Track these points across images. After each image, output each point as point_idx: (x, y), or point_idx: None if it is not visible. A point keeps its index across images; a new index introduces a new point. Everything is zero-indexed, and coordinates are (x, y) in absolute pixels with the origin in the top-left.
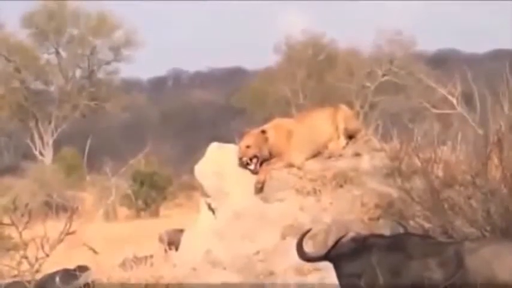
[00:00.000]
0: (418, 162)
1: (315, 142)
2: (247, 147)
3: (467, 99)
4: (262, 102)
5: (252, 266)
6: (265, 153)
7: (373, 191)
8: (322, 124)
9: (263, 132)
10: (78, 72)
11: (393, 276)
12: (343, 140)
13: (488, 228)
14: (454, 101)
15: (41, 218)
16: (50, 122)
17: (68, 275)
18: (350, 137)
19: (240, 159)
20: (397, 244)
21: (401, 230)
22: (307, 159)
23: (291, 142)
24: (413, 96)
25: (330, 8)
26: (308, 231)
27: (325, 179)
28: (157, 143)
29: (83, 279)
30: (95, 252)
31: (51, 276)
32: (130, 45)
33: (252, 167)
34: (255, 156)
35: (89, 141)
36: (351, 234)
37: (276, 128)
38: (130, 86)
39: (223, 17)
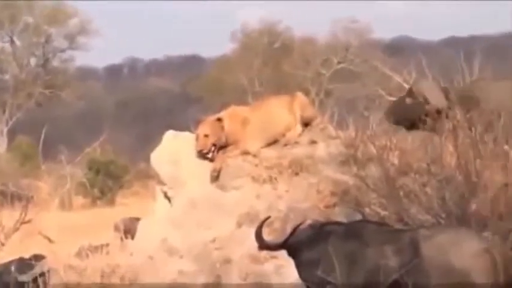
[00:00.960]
0: (373, 150)
1: (271, 130)
2: (206, 136)
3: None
4: (219, 90)
5: (208, 254)
6: (223, 141)
7: (328, 178)
8: (279, 112)
9: (219, 120)
10: (33, 61)
11: (350, 264)
12: (299, 128)
13: (443, 215)
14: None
15: None
16: (4, 111)
17: (24, 264)
18: (306, 124)
19: (200, 150)
20: (353, 231)
21: (358, 218)
22: (263, 147)
23: (247, 130)
24: (369, 84)
25: None
26: (267, 219)
27: (281, 167)
28: (113, 132)
29: (38, 268)
30: (50, 241)
31: (6, 266)
32: (85, 34)
33: (210, 155)
34: (213, 145)
35: (44, 130)
36: (308, 222)
37: (231, 116)
38: (85, 74)
39: (179, 5)
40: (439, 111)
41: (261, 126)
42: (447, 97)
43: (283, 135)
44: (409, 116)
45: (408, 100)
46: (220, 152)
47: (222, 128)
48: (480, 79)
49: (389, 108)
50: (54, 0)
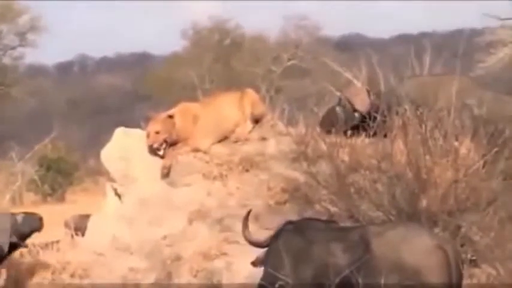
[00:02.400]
0: (323, 147)
1: (221, 126)
2: (157, 133)
3: (373, 83)
4: (169, 88)
5: (159, 251)
6: (174, 137)
7: (279, 175)
8: (229, 108)
9: (170, 116)
10: None
11: (297, 262)
12: (249, 125)
13: (393, 212)
14: (359, 85)
15: None
16: None
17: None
18: (256, 121)
19: (150, 146)
20: (301, 229)
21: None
22: (213, 143)
23: (197, 126)
24: (319, 81)
25: None
26: (250, 211)
27: (231, 164)
28: (64, 129)
29: None
30: None
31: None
32: (35, 31)
33: (161, 152)
34: (165, 141)
35: None
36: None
37: (182, 112)
38: (36, 71)
39: (130, 3)
40: (364, 116)
41: (211, 122)
42: (370, 100)
43: (233, 131)
44: (341, 124)
45: (338, 109)
46: (171, 149)
47: (173, 124)
48: (414, 76)
49: (323, 118)
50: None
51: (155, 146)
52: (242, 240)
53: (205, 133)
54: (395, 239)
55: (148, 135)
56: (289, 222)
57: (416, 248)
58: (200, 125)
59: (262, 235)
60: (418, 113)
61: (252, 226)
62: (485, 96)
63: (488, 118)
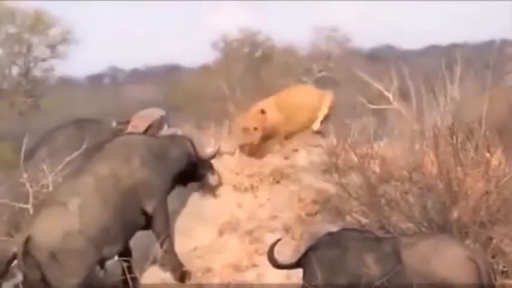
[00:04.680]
0: (354, 158)
1: (298, 118)
2: (255, 129)
3: (404, 95)
4: (199, 99)
5: (189, 263)
6: (267, 132)
7: (310, 186)
8: (310, 103)
9: (263, 111)
10: (14, 70)
11: (331, 273)
12: (317, 124)
13: (425, 223)
14: (390, 97)
15: None
16: None
17: None
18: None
19: (249, 144)
20: (336, 240)
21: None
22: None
23: (286, 118)
24: (350, 92)
25: (267, 6)
26: (278, 240)
27: (262, 175)
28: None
29: None
30: None
31: None
32: (66, 43)
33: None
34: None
35: (25, 139)
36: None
37: (271, 106)
38: (66, 83)
39: (158, 15)
40: None
41: (295, 115)
42: None
43: (305, 127)
44: None
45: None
46: (263, 144)
47: (266, 119)
48: None
49: None
50: (35, 9)
51: (255, 143)
52: None
53: (294, 125)
54: (426, 250)
55: (245, 132)
56: (328, 234)
57: (447, 260)
58: (288, 117)
59: (290, 256)
60: (450, 124)
61: (283, 237)
62: None
63: None
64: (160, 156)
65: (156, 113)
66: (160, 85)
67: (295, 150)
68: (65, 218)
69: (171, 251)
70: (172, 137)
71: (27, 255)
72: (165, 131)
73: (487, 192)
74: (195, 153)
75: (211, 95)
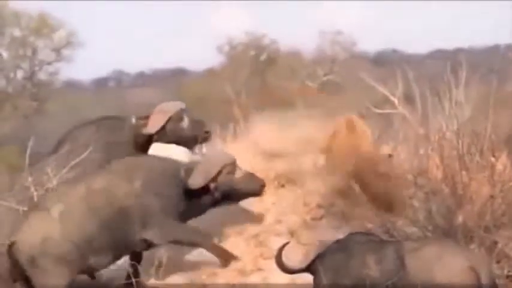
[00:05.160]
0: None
1: None
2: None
3: (409, 99)
4: (204, 102)
5: (195, 266)
6: None
7: (315, 191)
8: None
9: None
10: (19, 73)
11: (335, 276)
12: None
13: (430, 227)
14: (395, 101)
15: None
16: None
17: None
18: None
19: None
20: (343, 244)
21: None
22: None
23: None
24: (356, 96)
25: (270, 9)
26: (286, 244)
27: (267, 179)
28: None
29: None
30: None
31: None
32: (71, 46)
33: None
34: None
35: (30, 142)
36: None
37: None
38: (72, 86)
39: (166, 18)
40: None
41: None
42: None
43: None
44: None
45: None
46: None
47: None
48: None
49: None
50: (40, 12)
51: None
52: None
53: None
54: (429, 256)
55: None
56: (336, 241)
57: (449, 268)
58: None
59: (295, 260)
60: (455, 128)
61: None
62: None
63: None
64: (169, 180)
65: (175, 106)
66: (165, 88)
67: (300, 154)
68: (46, 223)
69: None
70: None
71: (12, 260)
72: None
73: (492, 197)
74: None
75: (217, 98)
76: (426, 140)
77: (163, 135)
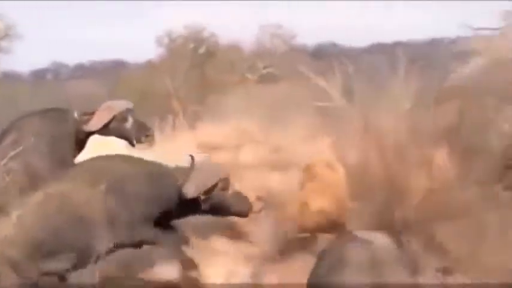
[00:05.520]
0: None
1: None
2: None
3: (348, 92)
4: (144, 95)
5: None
6: None
7: (253, 183)
8: None
9: None
10: None
11: None
12: None
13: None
14: (334, 94)
15: None
16: None
17: None
18: None
19: None
20: None
21: None
22: None
23: None
24: (295, 89)
25: (212, 3)
26: None
27: None
28: None
29: None
30: None
31: None
32: (9, 39)
33: None
34: None
35: None
36: None
37: None
38: (10, 78)
39: (105, 10)
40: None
41: None
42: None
43: None
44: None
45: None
46: None
47: None
48: None
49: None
50: None
51: None
52: None
53: None
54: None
55: None
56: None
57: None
58: None
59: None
60: (394, 122)
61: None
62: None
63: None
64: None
65: (121, 105)
66: (105, 80)
67: (239, 146)
68: (5, 226)
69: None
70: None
71: None
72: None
73: (430, 190)
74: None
75: (156, 90)
76: (365, 134)
77: (105, 132)
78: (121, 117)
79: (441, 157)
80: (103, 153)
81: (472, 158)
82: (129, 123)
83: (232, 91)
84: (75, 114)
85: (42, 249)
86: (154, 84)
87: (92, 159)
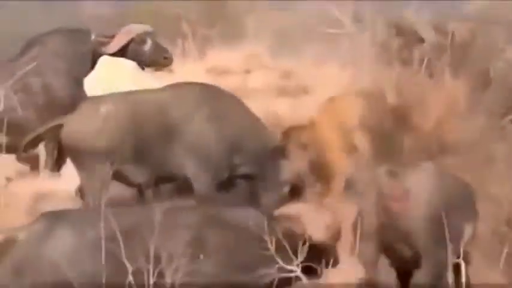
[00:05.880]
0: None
1: None
2: None
3: (358, 19)
4: (155, 19)
5: None
6: None
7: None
8: None
9: None
10: None
11: None
12: None
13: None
14: (346, 21)
15: None
16: None
17: None
18: None
19: None
20: None
21: None
22: None
23: None
24: (305, 15)
25: None
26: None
27: None
28: None
29: None
30: None
31: None
32: None
33: None
34: None
35: None
36: None
37: None
38: None
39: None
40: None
41: None
42: None
43: None
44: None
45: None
46: None
47: None
48: None
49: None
50: None
51: None
52: None
53: None
54: None
55: None
56: None
57: None
58: None
59: None
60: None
61: None
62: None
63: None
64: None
65: (140, 28)
66: (116, 2)
67: (248, 72)
68: (93, 117)
69: None
70: None
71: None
72: None
73: (439, 122)
74: None
75: (166, 13)
76: (376, 60)
77: (123, 55)
78: (140, 40)
79: (451, 86)
80: (112, 73)
81: (482, 89)
82: (148, 46)
83: (243, 16)
84: (92, 36)
85: (122, 152)
86: (165, 5)
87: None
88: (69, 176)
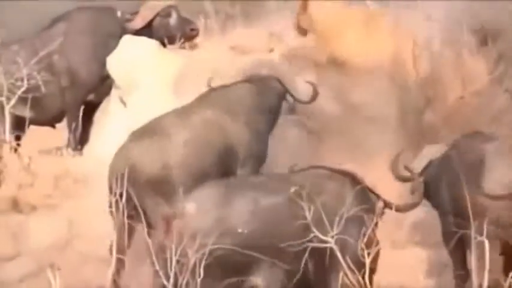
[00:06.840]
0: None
1: None
2: None
3: None
4: None
5: None
6: None
7: None
8: None
9: None
10: None
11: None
12: None
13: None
14: None
15: None
16: None
17: None
18: None
19: None
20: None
21: None
22: None
23: None
24: None
25: None
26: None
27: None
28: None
29: None
30: None
31: None
32: None
33: None
34: None
35: None
36: None
37: None
38: None
39: None
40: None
41: None
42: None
43: None
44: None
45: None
46: None
47: None
48: None
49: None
50: None
51: None
52: None
53: None
54: None
55: None
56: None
57: None
58: None
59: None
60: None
61: None
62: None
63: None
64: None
65: (163, 3)
66: None
67: (271, 50)
68: (167, 149)
69: None
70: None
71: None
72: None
73: (462, 97)
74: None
75: None
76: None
77: (149, 31)
78: (164, 13)
79: (474, 63)
80: (134, 53)
81: (505, 65)
82: (173, 19)
83: None
84: (118, 13)
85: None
86: None
87: (221, 90)
88: (92, 155)
